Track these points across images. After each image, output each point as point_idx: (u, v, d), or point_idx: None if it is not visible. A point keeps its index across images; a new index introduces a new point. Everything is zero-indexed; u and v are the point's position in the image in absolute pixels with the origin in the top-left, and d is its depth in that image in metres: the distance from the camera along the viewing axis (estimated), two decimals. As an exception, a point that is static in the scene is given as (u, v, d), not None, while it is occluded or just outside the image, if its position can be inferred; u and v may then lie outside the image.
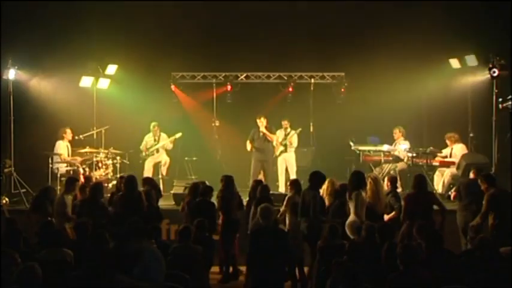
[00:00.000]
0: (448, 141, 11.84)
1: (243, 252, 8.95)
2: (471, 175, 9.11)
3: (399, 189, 11.32)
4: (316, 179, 8.56)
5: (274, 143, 12.59)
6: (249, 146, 12.45)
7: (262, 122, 12.40)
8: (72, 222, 8.32)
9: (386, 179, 9.63)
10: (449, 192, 9.96)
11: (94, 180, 10.72)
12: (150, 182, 9.47)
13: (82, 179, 10.90)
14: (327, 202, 8.71)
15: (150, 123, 12.75)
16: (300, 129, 12.46)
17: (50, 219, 8.45)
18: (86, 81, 12.84)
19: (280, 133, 12.65)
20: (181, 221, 8.92)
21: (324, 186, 8.88)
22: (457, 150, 11.61)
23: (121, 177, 10.01)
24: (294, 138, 12.50)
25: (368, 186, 8.47)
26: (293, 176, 12.38)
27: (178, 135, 12.67)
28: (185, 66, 13.76)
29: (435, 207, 8.45)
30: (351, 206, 8.09)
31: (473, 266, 6.22)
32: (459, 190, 9.10)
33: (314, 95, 13.56)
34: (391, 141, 12.31)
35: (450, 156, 11.68)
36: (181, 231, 7.27)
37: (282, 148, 12.53)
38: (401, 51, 12.48)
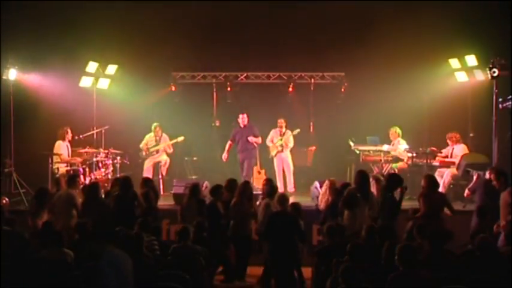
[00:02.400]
0: (449, 141, 11.81)
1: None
2: (487, 175, 8.95)
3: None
4: (391, 181, 8.38)
5: (269, 143, 12.49)
6: (224, 156, 12.47)
7: (243, 119, 12.39)
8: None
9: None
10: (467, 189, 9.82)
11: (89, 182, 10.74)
12: (149, 183, 9.44)
13: (82, 179, 10.92)
14: (325, 202, 8.70)
15: (152, 124, 12.70)
16: (299, 130, 12.39)
17: (50, 220, 8.43)
18: (86, 81, 12.86)
19: (275, 133, 12.52)
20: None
21: (324, 187, 8.87)
22: (457, 151, 11.57)
23: (115, 179, 9.94)
24: (290, 139, 12.42)
25: (376, 187, 8.45)
26: (290, 176, 12.35)
27: (181, 139, 12.60)
28: (185, 66, 13.76)
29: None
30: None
31: (473, 266, 6.23)
32: (474, 190, 9.04)
33: (314, 95, 13.57)
34: (390, 141, 12.32)
35: (451, 156, 11.65)
36: (181, 232, 7.27)
37: (278, 149, 12.42)
38: (401, 51, 12.46)
